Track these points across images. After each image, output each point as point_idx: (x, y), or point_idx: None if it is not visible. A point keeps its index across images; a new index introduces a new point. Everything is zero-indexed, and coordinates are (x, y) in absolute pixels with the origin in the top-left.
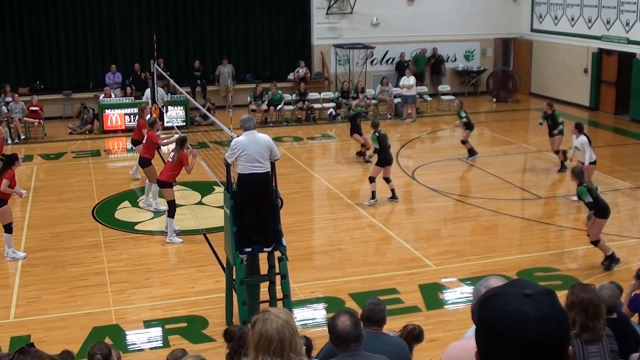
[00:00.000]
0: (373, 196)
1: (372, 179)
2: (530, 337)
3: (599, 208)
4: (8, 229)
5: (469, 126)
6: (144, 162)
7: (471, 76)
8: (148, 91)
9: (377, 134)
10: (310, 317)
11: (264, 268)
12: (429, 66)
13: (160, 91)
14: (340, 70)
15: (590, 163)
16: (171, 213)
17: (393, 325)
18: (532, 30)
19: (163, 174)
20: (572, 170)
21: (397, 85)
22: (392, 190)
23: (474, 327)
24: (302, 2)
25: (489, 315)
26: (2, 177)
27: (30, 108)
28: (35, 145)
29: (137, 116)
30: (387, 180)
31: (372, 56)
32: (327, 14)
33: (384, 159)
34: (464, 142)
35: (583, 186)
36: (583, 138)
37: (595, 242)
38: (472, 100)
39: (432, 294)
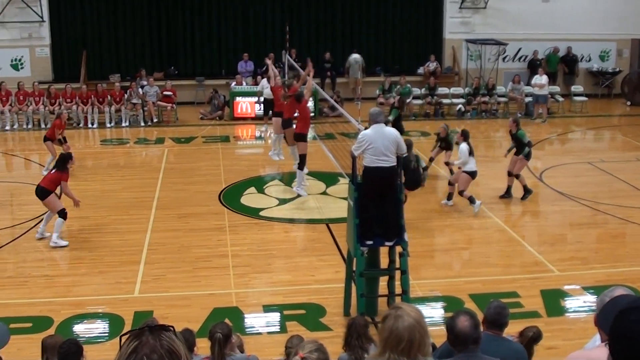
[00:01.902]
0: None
1: None
2: None
3: (409, 179)
4: (62, 214)
5: (447, 146)
6: (286, 124)
7: (605, 77)
8: (264, 81)
9: None
10: (428, 316)
11: (384, 262)
12: (562, 65)
13: (263, 82)
14: (471, 66)
15: (468, 172)
16: (301, 165)
17: (511, 329)
18: None
19: (297, 127)
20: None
21: (528, 84)
22: None
23: (596, 337)
24: None
25: (630, 327)
26: (61, 178)
27: (164, 92)
28: (167, 129)
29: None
30: None
31: (504, 53)
32: (460, 8)
33: None
34: (447, 163)
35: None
36: (464, 146)
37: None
38: (606, 102)
39: (553, 301)
